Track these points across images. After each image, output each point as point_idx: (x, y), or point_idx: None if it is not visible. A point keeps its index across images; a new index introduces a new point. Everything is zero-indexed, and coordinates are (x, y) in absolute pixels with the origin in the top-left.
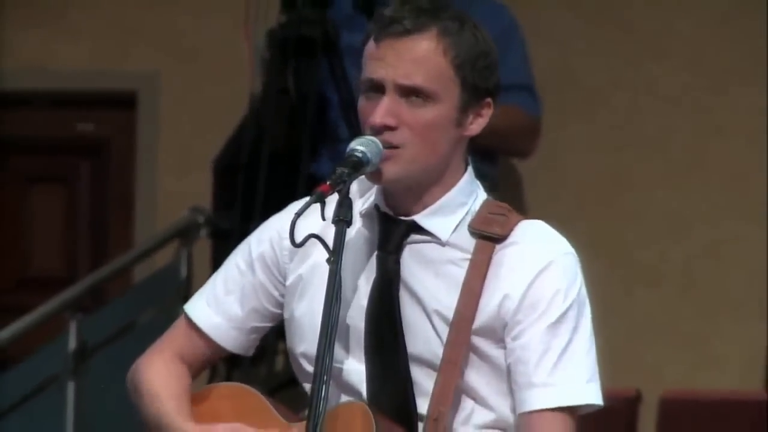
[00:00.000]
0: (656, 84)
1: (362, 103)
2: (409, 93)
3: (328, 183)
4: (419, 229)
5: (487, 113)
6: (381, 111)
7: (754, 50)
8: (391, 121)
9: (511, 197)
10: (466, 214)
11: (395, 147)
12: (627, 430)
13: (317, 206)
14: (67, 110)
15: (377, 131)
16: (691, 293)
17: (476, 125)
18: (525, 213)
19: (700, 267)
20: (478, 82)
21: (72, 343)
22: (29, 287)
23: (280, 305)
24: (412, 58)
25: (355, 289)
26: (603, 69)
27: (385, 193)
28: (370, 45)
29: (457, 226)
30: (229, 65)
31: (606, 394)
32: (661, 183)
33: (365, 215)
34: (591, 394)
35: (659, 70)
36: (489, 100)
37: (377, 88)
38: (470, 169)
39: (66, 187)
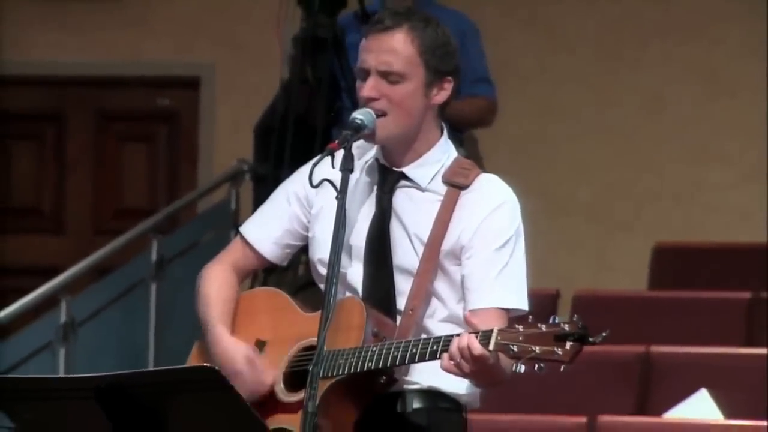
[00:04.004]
0: (569, 68)
1: (358, 84)
2: (387, 75)
3: (336, 142)
4: (406, 178)
5: (449, 87)
6: (367, 87)
7: (641, 43)
8: (374, 94)
9: (465, 151)
10: (441, 167)
11: (382, 114)
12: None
13: (329, 158)
14: (149, 89)
15: (365, 102)
16: (593, 219)
17: (440, 96)
18: (477, 162)
19: (599, 200)
20: (438, 65)
21: (154, 256)
22: (123, 216)
23: (306, 228)
24: (389, 48)
25: (361, 217)
26: (530, 58)
27: (383, 150)
28: (363, 40)
29: (433, 176)
30: (265, 57)
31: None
32: (571, 140)
33: (369, 166)
34: (519, 301)
35: (572, 58)
36: (449, 78)
37: (366, 73)
38: (446, 133)
39: (149, 144)
